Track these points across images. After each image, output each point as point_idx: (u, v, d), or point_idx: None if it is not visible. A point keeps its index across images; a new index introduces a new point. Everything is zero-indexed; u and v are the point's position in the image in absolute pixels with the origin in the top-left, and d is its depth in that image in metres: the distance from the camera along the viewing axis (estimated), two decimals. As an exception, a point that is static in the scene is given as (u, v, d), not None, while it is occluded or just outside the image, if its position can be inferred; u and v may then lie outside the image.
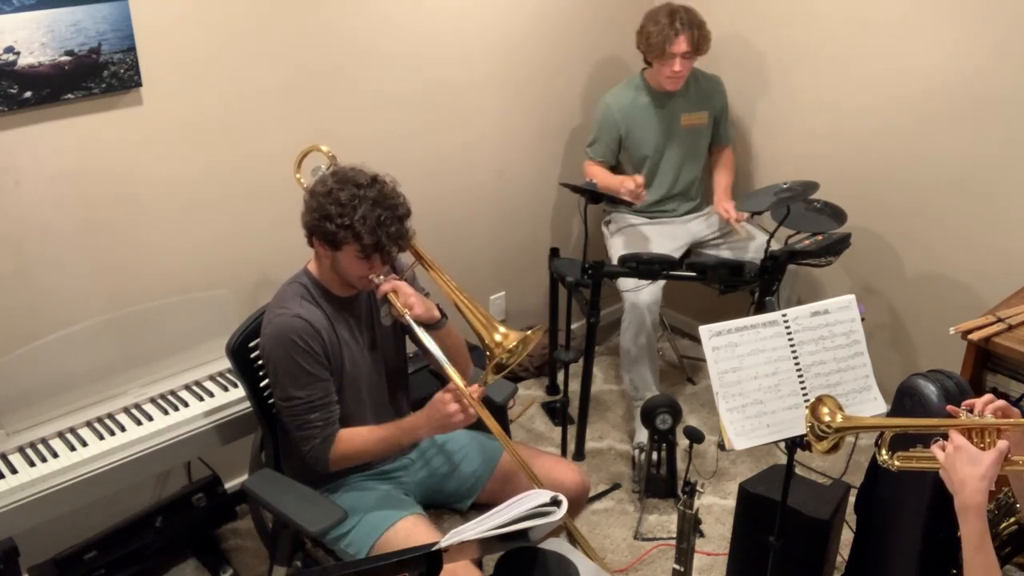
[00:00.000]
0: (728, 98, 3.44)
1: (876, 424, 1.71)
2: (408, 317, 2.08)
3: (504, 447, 2.19)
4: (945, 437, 1.57)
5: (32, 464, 2.16)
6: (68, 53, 2.26)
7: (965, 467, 1.50)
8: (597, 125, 3.33)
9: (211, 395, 2.44)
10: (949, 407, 1.62)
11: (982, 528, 1.48)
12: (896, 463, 1.65)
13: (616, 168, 3.39)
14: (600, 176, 3.26)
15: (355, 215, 1.97)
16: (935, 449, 1.57)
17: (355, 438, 2.10)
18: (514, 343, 2.11)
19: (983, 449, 1.51)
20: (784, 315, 2.01)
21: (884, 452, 1.66)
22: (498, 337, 2.12)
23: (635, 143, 3.30)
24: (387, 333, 2.27)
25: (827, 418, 1.68)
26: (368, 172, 2.06)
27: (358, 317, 2.21)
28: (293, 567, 2.19)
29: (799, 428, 1.95)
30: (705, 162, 3.45)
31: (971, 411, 1.59)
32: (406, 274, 2.26)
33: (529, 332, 2.14)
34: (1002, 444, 1.51)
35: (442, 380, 2.43)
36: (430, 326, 2.14)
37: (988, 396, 1.61)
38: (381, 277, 2.09)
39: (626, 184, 3.08)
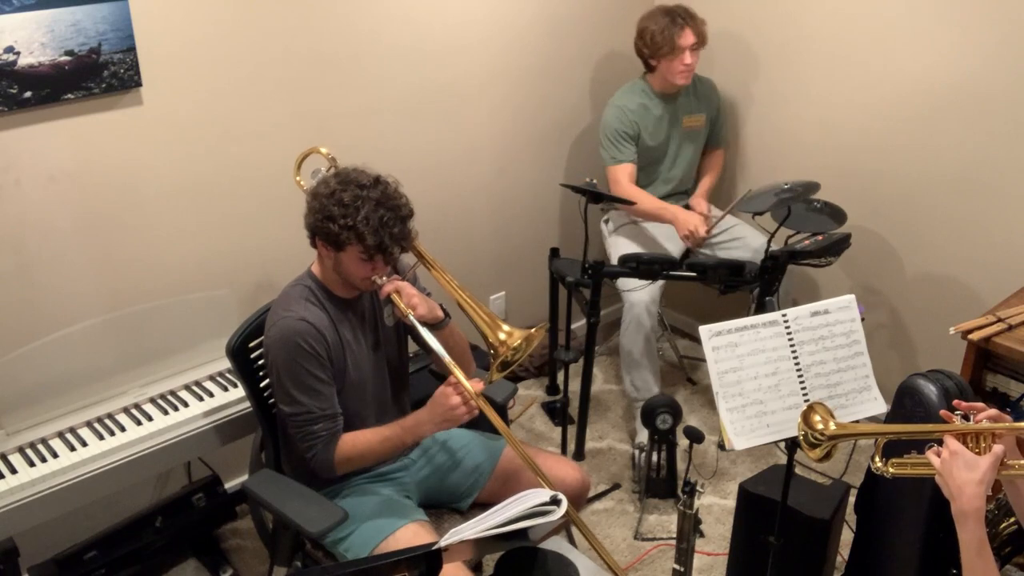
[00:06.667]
0: (725, 99, 3.47)
1: (869, 431, 1.71)
2: (412, 317, 2.08)
3: (508, 442, 2.19)
4: (940, 443, 1.56)
5: (32, 464, 2.16)
6: (68, 53, 2.26)
7: (962, 472, 1.49)
8: (615, 127, 3.25)
9: (211, 395, 2.44)
10: (943, 412, 1.62)
11: (981, 534, 1.48)
12: (891, 470, 1.64)
13: None
14: (647, 201, 3.22)
15: (358, 216, 1.97)
16: (930, 455, 1.57)
17: (358, 440, 2.10)
18: (518, 341, 2.12)
19: (979, 454, 1.51)
20: (784, 315, 2.01)
21: (878, 459, 1.65)
22: (502, 335, 2.12)
23: (644, 145, 3.31)
24: (390, 333, 2.27)
25: (819, 426, 1.67)
26: (370, 173, 2.06)
27: (362, 317, 2.21)
28: (293, 567, 2.19)
29: (799, 428, 1.96)
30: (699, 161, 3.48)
31: (966, 417, 1.59)
32: (408, 274, 2.26)
33: (533, 330, 2.14)
34: (998, 448, 1.51)
35: (442, 380, 2.43)
36: (433, 326, 2.14)
37: (980, 404, 1.61)
38: (384, 278, 2.09)
39: (691, 224, 3.09)
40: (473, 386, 2.03)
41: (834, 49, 3.21)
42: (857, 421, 2.04)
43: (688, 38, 3.12)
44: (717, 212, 3.42)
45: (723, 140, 3.52)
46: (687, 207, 3.41)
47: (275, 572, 2.21)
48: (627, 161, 3.26)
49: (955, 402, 1.61)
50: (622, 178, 3.25)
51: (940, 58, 2.95)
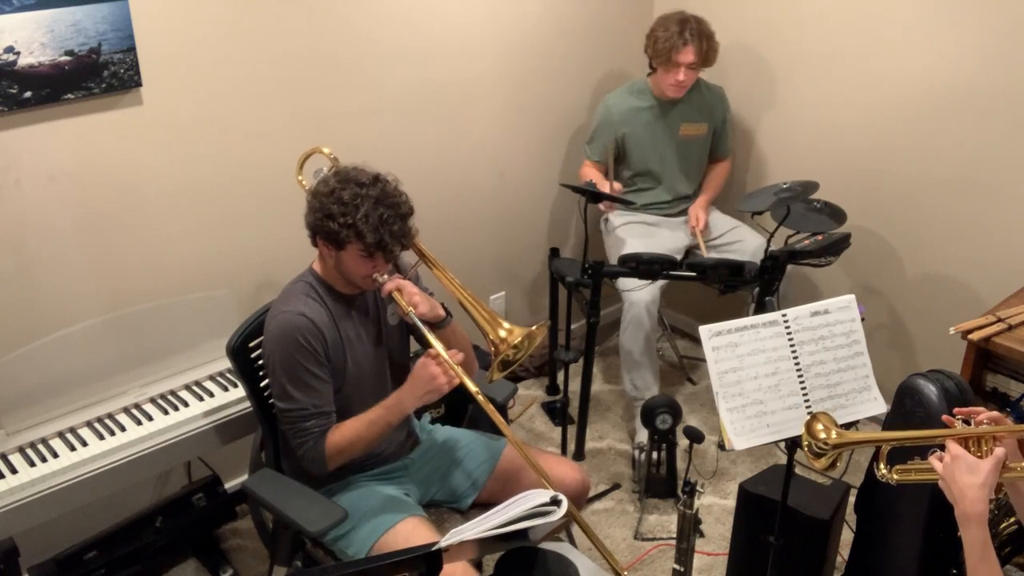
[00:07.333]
0: (731, 106, 3.44)
1: (872, 439, 1.71)
2: (413, 316, 2.08)
3: (508, 441, 2.19)
4: (942, 448, 1.57)
5: (32, 464, 2.16)
6: (68, 53, 2.26)
7: (964, 476, 1.50)
8: (596, 124, 3.34)
9: (211, 395, 2.44)
10: (944, 417, 1.62)
11: (985, 537, 1.48)
12: (895, 477, 1.65)
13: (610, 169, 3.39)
14: (593, 178, 3.28)
15: (358, 214, 1.98)
16: (933, 460, 1.57)
17: (345, 430, 2.10)
18: (519, 339, 2.12)
19: (980, 458, 1.52)
20: (784, 315, 2.01)
21: (882, 466, 1.66)
22: (503, 333, 2.12)
23: (633, 148, 3.31)
24: (393, 331, 2.27)
25: (822, 435, 1.67)
26: (370, 171, 2.07)
27: (364, 315, 2.21)
28: (293, 567, 2.19)
29: (799, 428, 1.95)
30: (704, 169, 3.47)
31: (967, 420, 1.59)
32: (410, 273, 2.26)
33: (534, 328, 2.14)
34: (999, 451, 1.51)
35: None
36: (435, 324, 2.15)
37: (979, 408, 1.61)
38: (385, 276, 2.09)
39: (604, 188, 3.16)
40: (452, 356, 2.03)
41: (834, 49, 3.21)
42: (857, 421, 2.05)
43: (687, 56, 3.07)
44: (718, 217, 3.41)
45: (728, 150, 3.49)
46: (684, 212, 3.42)
47: (275, 572, 2.21)
48: (593, 159, 3.38)
49: (955, 410, 1.61)
50: (584, 173, 3.34)
51: (940, 58, 2.95)
